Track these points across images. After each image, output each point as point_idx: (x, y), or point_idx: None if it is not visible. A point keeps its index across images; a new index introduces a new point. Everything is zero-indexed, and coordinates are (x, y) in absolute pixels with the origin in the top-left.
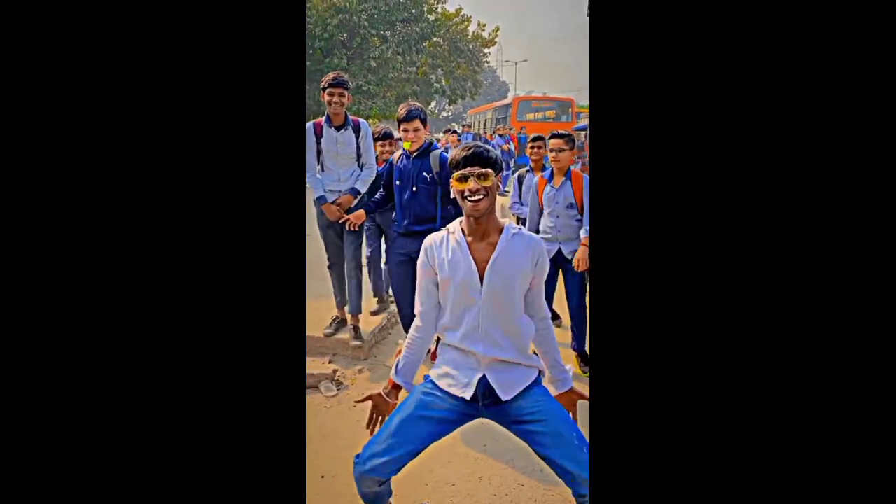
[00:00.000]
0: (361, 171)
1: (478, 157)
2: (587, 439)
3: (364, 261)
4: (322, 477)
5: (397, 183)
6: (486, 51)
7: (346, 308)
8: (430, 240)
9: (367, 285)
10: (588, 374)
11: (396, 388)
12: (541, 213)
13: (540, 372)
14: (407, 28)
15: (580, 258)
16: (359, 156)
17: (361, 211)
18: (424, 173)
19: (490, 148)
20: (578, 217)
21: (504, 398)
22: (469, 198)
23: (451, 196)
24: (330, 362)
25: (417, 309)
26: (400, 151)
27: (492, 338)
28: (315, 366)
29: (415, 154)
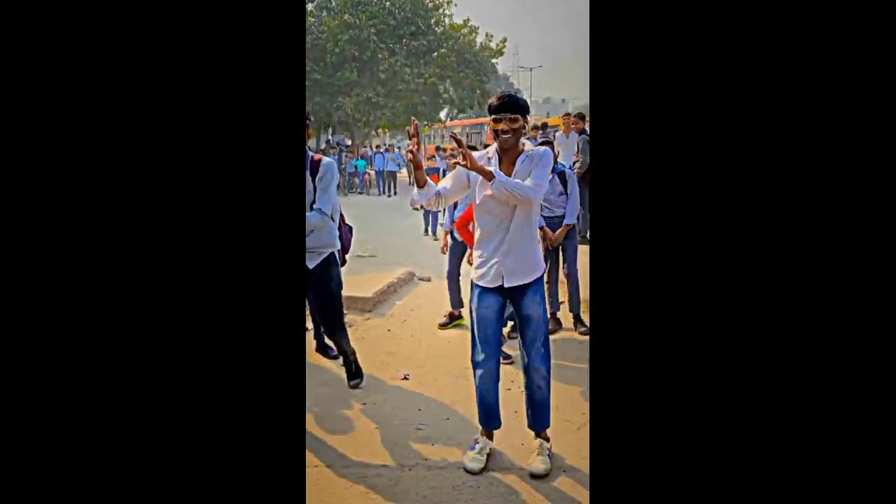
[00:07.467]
0: None
1: (509, 104)
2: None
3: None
4: None
5: None
6: (493, 61)
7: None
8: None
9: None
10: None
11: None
12: None
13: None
14: (415, 41)
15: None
16: None
17: None
18: None
19: (520, 96)
20: None
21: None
22: (501, 135)
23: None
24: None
25: (441, 186)
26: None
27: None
28: None
29: None
